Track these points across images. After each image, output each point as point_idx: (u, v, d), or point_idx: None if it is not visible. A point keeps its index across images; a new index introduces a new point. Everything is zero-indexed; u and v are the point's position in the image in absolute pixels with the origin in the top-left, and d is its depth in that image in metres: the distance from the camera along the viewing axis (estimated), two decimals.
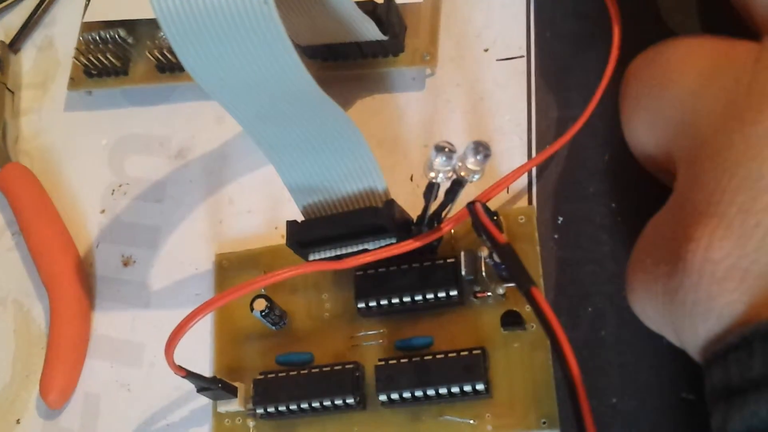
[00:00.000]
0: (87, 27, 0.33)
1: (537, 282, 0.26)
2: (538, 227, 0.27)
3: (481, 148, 0.22)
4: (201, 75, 0.21)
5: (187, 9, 0.20)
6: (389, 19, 0.28)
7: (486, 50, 0.30)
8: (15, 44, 0.36)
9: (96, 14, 0.32)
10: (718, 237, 0.18)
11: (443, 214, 0.25)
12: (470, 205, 0.23)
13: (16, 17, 0.37)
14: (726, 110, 0.19)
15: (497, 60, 0.30)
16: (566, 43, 0.29)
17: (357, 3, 0.28)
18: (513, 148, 0.29)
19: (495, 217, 0.26)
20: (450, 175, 0.23)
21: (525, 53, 0.30)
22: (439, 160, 0.22)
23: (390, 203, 0.25)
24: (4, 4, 0.37)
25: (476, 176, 0.22)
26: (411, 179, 0.29)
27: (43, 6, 0.36)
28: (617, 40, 0.27)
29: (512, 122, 0.29)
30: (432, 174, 0.23)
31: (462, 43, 0.31)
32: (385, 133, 0.30)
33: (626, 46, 0.27)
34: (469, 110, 0.30)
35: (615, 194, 0.27)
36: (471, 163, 0.22)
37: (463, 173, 0.22)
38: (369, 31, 0.28)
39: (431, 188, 0.24)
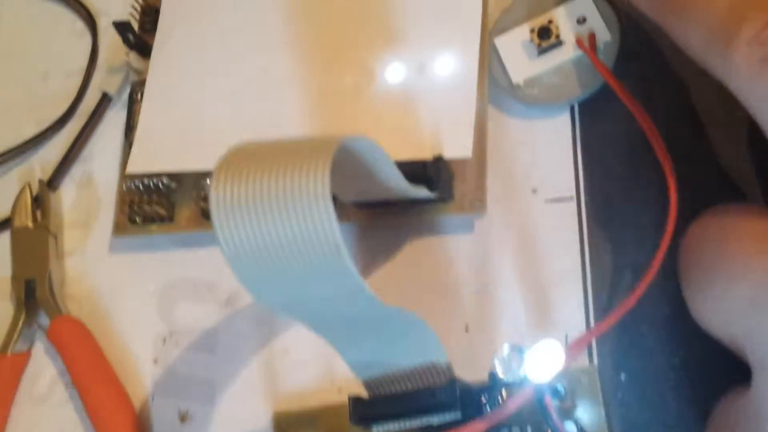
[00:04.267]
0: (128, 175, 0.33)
1: None
2: (601, 385, 0.27)
3: (553, 359, 0.22)
4: (265, 300, 0.21)
5: (257, 252, 0.20)
6: (438, 177, 0.28)
7: (534, 191, 0.30)
8: (53, 182, 0.36)
9: (137, 166, 0.32)
10: None
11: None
12: (540, 399, 0.23)
13: (52, 152, 0.37)
14: None
15: (546, 201, 0.30)
16: (616, 184, 0.29)
17: (406, 163, 0.27)
18: (569, 295, 0.28)
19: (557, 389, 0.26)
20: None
21: (575, 194, 0.30)
22: (502, 369, 0.22)
23: (452, 383, 0.25)
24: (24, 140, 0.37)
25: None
26: (466, 330, 0.29)
27: (79, 141, 0.36)
28: (674, 200, 0.26)
29: (566, 268, 0.29)
30: (500, 375, 0.23)
31: (509, 183, 0.30)
32: (436, 278, 0.30)
33: (680, 190, 0.27)
34: (521, 255, 0.29)
35: (677, 348, 0.27)
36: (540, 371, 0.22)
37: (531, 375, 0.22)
38: (419, 193, 0.28)
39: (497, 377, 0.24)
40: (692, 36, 0.23)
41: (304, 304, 0.22)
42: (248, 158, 0.20)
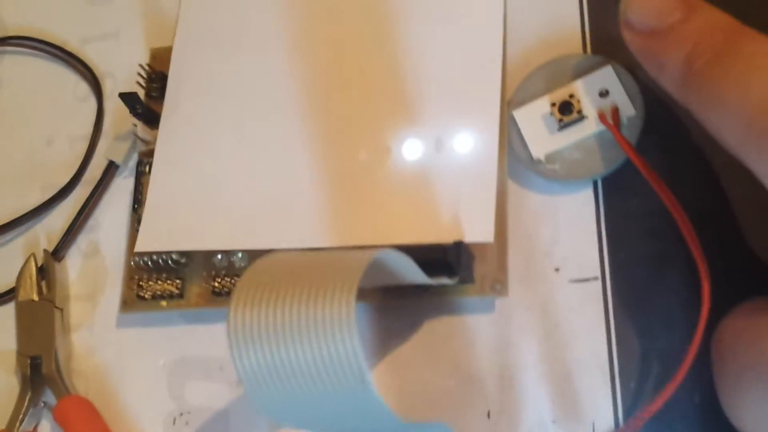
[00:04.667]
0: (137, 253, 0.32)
1: None
2: None
3: None
4: (280, 420, 0.21)
5: (275, 378, 0.19)
6: (459, 263, 0.27)
7: (557, 270, 0.29)
8: (59, 252, 0.35)
9: (146, 245, 0.31)
10: None
11: None
12: None
13: (58, 220, 0.36)
14: None
15: (570, 281, 0.29)
16: (642, 264, 0.28)
17: (424, 247, 0.27)
18: (595, 382, 0.27)
19: None
20: None
21: (599, 275, 0.29)
22: None
23: None
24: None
25: None
26: (488, 416, 0.28)
27: (85, 210, 0.35)
28: (707, 292, 0.25)
29: (591, 353, 0.28)
30: None
31: (531, 261, 0.29)
32: (458, 360, 0.29)
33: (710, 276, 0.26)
34: (544, 337, 0.28)
35: None
36: None
37: None
38: (439, 282, 0.27)
39: None
40: (725, 126, 0.22)
41: (320, 421, 0.21)
42: (267, 280, 0.19)
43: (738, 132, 0.21)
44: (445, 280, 0.26)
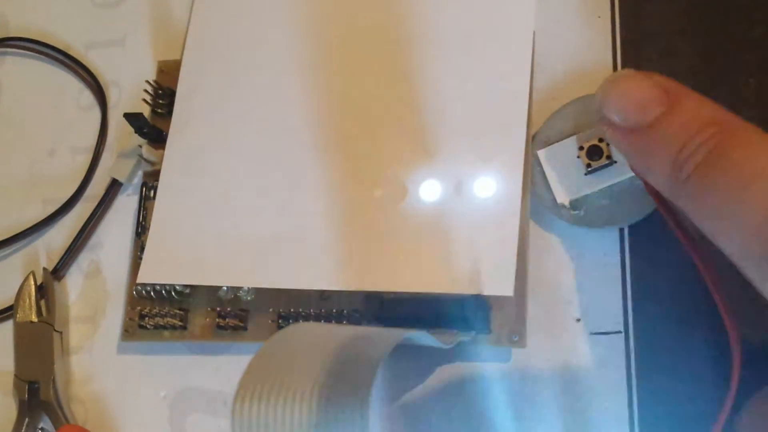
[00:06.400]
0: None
1: None
2: None
3: None
4: None
5: None
6: (476, 317, 0.26)
7: (578, 320, 0.28)
8: (59, 271, 0.34)
9: (148, 276, 0.30)
10: None
11: None
12: None
13: (58, 236, 0.35)
14: None
15: (591, 333, 0.27)
16: (669, 320, 0.27)
17: (440, 297, 0.25)
18: None
19: None
20: None
21: (623, 328, 0.27)
22: None
23: None
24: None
25: None
26: None
27: (87, 228, 0.34)
28: (737, 361, 0.24)
29: (612, 413, 0.27)
30: None
31: (551, 309, 0.28)
32: (469, 409, 0.28)
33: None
34: (562, 392, 0.27)
35: None
36: None
37: None
38: (455, 341, 0.25)
39: None
40: (722, 238, 0.20)
41: None
42: (278, 366, 0.18)
43: (736, 249, 0.20)
44: (460, 338, 0.25)
